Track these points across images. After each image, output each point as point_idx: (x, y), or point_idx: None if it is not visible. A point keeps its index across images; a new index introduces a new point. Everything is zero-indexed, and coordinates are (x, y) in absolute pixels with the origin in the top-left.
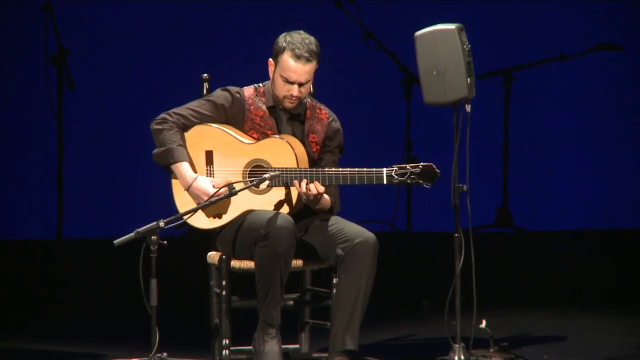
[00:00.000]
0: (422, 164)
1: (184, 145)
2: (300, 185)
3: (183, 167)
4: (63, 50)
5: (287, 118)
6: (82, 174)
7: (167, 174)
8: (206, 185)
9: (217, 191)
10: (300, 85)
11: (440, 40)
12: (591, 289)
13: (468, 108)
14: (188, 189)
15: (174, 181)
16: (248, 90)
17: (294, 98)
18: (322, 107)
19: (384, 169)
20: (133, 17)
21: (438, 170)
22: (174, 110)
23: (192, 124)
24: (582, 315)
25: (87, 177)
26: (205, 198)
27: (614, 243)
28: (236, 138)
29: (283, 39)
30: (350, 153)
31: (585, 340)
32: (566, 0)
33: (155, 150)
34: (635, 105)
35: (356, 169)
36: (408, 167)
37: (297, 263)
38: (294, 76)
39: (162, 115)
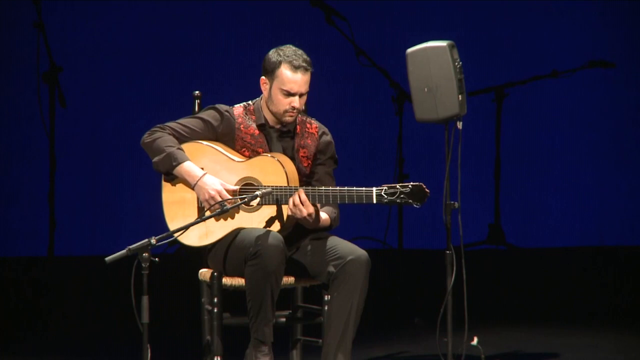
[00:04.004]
0: (411, 183)
1: (182, 148)
2: (290, 205)
3: (187, 166)
4: (55, 67)
5: (277, 135)
6: (74, 191)
7: (158, 190)
8: (215, 182)
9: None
10: (301, 95)
11: (431, 58)
12: (583, 306)
13: (459, 125)
14: (195, 185)
15: (164, 196)
16: (237, 109)
17: (295, 110)
18: (312, 121)
19: (374, 189)
20: (125, 34)
21: (428, 190)
22: (164, 124)
23: (182, 137)
24: (574, 333)
25: (79, 194)
26: (213, 193)
27: (606, 260)
28: (227, 156)
29: (276, 54)
30: (342, 170)
31: (577, 358)
32: (558, 18)
33: (156, 159)
34: (627, 122)
35: (346, 188)
36: (398, 186)
37: (289, 280)
38: (296, 87)
39: (152, 128)
